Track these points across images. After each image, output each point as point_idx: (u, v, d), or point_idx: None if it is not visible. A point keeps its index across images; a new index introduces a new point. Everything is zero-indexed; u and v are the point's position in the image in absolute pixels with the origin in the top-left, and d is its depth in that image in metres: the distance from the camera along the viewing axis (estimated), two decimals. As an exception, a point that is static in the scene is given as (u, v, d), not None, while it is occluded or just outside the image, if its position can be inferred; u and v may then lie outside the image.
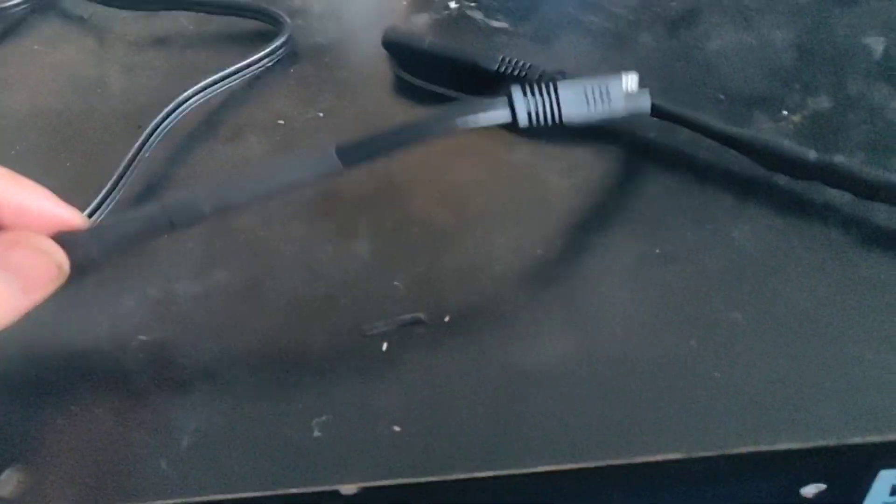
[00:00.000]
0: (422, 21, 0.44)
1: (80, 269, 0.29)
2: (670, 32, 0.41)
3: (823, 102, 0.36)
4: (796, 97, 0.37)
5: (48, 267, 0.28)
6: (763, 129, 0.35)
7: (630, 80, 0.32)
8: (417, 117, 0.29)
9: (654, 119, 0.35)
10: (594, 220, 0.33)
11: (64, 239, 0.29)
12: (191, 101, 0.41)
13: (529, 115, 0.30)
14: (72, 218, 0.29)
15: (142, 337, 0.31)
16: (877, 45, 0.39)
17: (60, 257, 0.28)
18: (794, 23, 0.41)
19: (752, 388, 0.27)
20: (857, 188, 0.31)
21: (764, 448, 0.25)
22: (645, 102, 0.32)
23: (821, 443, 0.25)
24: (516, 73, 0.37)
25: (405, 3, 0.46)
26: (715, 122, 0.33)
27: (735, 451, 0.26)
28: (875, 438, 0.25)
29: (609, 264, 0.31)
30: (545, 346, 0.29)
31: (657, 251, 0.31)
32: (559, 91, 0.30)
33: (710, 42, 0.40)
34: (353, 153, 0.29)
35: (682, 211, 0.32)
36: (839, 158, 0.31)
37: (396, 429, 0.27)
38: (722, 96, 0.37)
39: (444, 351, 0.29)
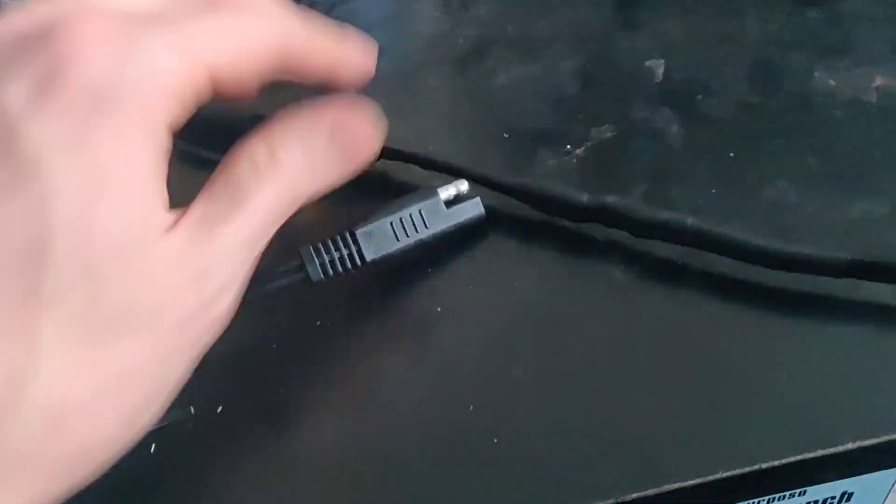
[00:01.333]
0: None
1: None
2: (457, 71, 0.40)
3: (607, 132, 0.36)
4: (580, 129, 0.36)
5: (370, 133, 0.28)
6: (546, 167, 0.35)
7: (451, 191, 0.32)
8: None
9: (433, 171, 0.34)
10: (372, 282, 0.31)
11: None
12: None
13: (326, 269, 0.29)
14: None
15: None
16: (657, 67, 0.39)
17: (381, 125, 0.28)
18: (580, 51, 0.40)
19: (529, 451, 0.26)
20: (631, 227, 0.30)
21: (543, 517, 0.24)
22: (477, 210, 0.32)
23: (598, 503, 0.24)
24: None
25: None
26: (488, 172, 0.32)
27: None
28: (653, 492, 0.25)
29: (389, 329, 0.30)
30: (322, 428, 0.27)
31: (438, 309, 0.30)
32: (359, 240, 0.30)
33: (496, 78, 0.39)
34: None
35: (464, 263, 0.31)
36: (611, 198, 0.30)
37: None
38: (507, 135, 0.36)
39: (217, 446, 0.27)
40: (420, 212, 0.31)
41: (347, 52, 0.28)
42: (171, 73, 0.22)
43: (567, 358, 0.28)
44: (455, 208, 0.31)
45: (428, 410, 0.27)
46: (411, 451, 0.26)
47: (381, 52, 0.42)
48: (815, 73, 0.37)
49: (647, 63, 0.39)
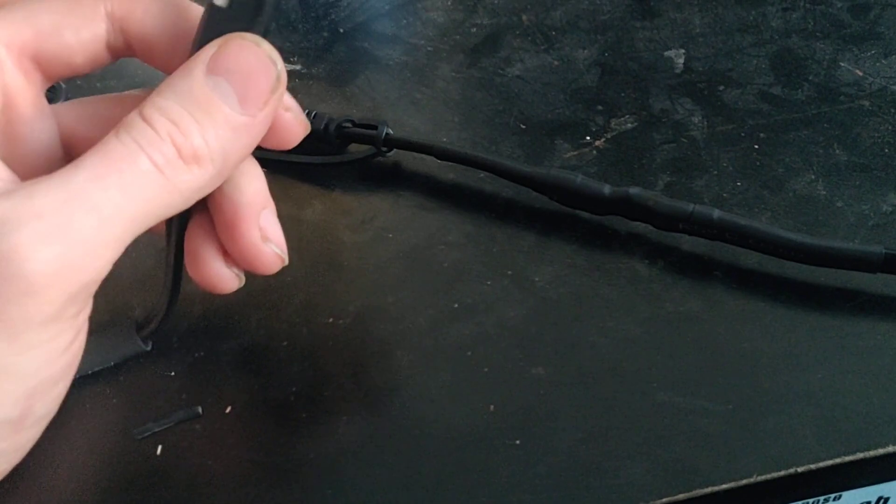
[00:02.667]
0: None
1: None
2: (471, 61, 0.39)
3: (627, 123, 0.35)
4: (599, 120, 0.35)
5: (266, 68, 0.22)
6: (565, 159, 0.33)
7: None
8: None
9: (449, 162, 0.33)
10: (389, 278, 0.30)
11: None
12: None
13: None
14: None
15: None
16: (678, 57, 0.38)
17: (277, 57, 0.22)
18: (597, 40, 0.39)
19: (553, 454, 0.25)
20: (654, 220, 0.29)
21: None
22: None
23: (625, 509, 0.23)
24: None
25: (194, 51, 0.42)
26: (508, 163, 0.31)
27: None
28: (683, 497, 0.23)
29: (404, 325, 0.29)
30: (335, 428, 0.26)
31: (455, 305, 0.29)
32: None
33: (511, 68, 0.38)
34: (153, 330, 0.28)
35: (482, 258, 0.30)
36: (634, 190, 0.29)
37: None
38: (523, 126, 0.35)
39: (225, 448, 0.26)
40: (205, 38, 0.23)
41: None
42: None
43: (590, 356, 0.27)
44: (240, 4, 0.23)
45: (446, 410, 0.26)
46: (428, 452, 0.25)
47: (392, 42, 0.41)
48: (841, 63, 0.36)
49: (667, 53, 0.38)
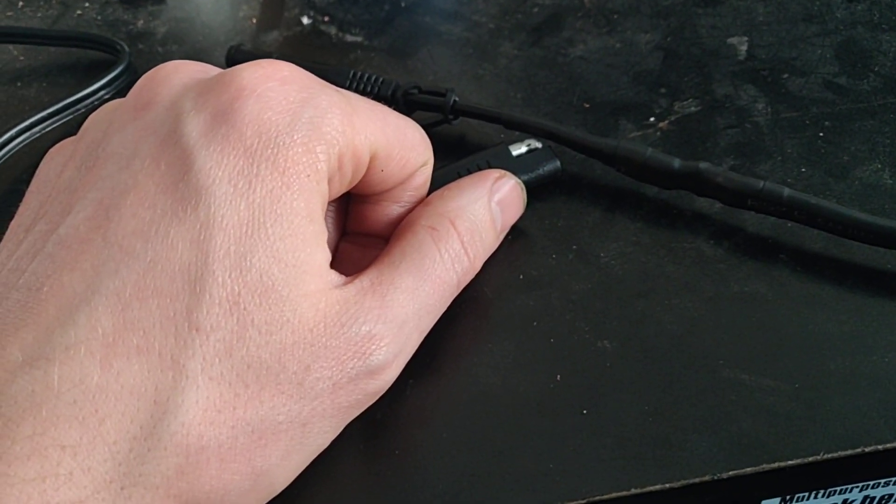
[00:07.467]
0: (272, 38, 0.42)
1: None
2: (533, 40, 0.39)
3: (690, 107, 0.35)
4: (663, 102, 0.35)
5: (520, 203, 0.29)
6: (629, 139, 0.34)
7: (521, 148, 0.31)
8: None
9: (516, 131, 0.33)
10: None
11: None
12: (20, 139, 0.37)
13: None
14: None
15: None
16: (741, 45, 0.38)
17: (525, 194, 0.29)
18: (659, 25, 0.39)
19: (620, 425, 0.25)
20: (724, 195, 0.29)
21: (635, 491, 0.23)
22: (550, 160, 0.31)
23: (691, 480, 0.23)
24: (368, 88, 0.35)
25: (254, 21, 0.43)
26: (577, 133, 0.31)
27: (604, 496, 0.23)
28: (750, 471, 0.24)
29: (469, 294, 0.29)
30: (404, 388, 0.26)
31: (520, 277, 0.29)
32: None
33: (573, 48, 0.38)
34: None
35: (547, 231, 0.30)
36: (704, 165, 0.29)
37: None
38: (587, 105, 0.35)
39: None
40: (488, 162, 0.31)
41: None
42: (337, 131, 0.22)
43: (655, 332, 0.27)
44: (526, 159, 0.31)
45: (512, 378, 0.26)
46: (495, 417, 0.25)
47: (454, 18, 0.41)
48: (907, 56, 0.36)
49: (730, 40, 0.38)
